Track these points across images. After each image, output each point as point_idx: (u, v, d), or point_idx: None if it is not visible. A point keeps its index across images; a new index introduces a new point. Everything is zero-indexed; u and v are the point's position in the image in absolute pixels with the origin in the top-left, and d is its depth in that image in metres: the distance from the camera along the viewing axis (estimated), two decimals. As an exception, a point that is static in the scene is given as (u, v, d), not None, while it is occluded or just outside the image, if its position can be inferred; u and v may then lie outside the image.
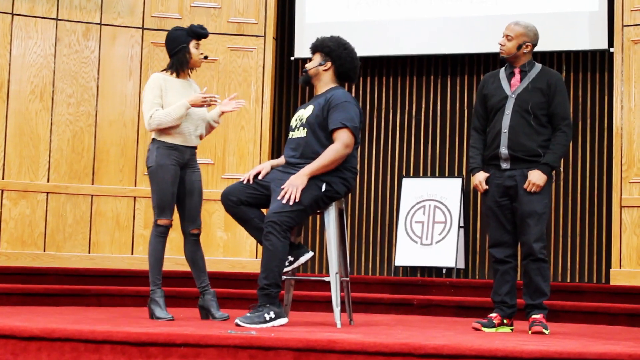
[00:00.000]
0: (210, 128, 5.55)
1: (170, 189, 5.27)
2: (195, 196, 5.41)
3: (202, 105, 5.28)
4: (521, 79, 5.16)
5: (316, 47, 5.17)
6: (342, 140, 4.91)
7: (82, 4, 7.91)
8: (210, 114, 5.51)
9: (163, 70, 5.45)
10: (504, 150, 5.09)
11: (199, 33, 5.36)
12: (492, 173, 5.17)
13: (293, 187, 4.80)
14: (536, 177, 5.01)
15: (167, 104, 5.28)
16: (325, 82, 5.15)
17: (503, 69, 5.28)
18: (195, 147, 5.44)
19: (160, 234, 5.31)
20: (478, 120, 5.30)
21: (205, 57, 5.49)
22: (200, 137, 5.47)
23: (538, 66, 5.21)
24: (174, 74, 5.39)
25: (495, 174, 5.15)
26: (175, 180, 5.29)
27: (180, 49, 5.35)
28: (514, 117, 5.08)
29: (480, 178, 5.20)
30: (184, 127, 5.31)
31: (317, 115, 4.99)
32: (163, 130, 5.29)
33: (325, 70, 5.13)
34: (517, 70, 5.19)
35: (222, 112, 5.48)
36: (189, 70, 5.46)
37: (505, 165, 5.11)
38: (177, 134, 5.30)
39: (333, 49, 5.10)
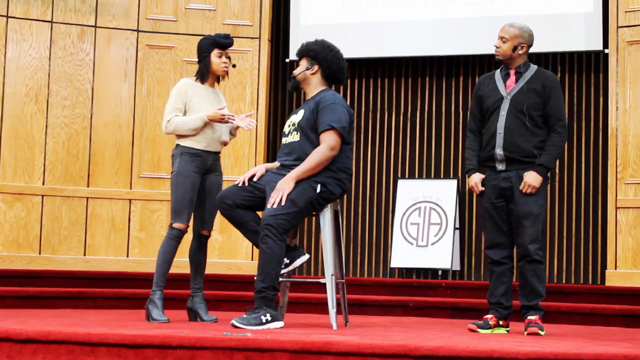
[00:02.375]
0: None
1: (188, 194, 5.32)
2: (213, 199, 5.44)
3: (220, 122, 5.34)
4: (516, 80, 5.16)
5: (302, 52, 5.21)
6: (327, 142, 4.93)
7: (77, 7, 7.90)
8: (229, 125, 5.56)
9: (194, 76, 5.55)
10: (499, 152, 5.09)
11: (220, 43, 5.45)
12: (488, 174, 5.17)
13: (280, 191, 4.83)
14: (531, 179, 5.01)
15: (191, 109, 5.38)
16: (314, 86, 5.17)
17: (499, 70, 5.29)
18: (218, 153, 5.49)
19: (173, 237, 5.34)
20: (474, 121, 5.31)
21: (234, 66, 5.60)
22: (225, 144, 5.53)
23: (533, 67, 5.21)
24: (199, 81, 5.49)
25: (491, 176, 5.15)
26: (194, 186, 5.35)
27: (203, 58, 5.47)
28: (509, 118, 5.08)
29: (475, 179, 5.21)
30: (207, 133, 5.38)
31: (308, 118, 5.02)
32: (187, 135, 5.36)
33: (312, 74, 5.16)
34: (512, 72, 5.19)
35: (237, 126, 5.53)
36: (217, 79, 5.55)
37: (500, 167, 5.11)
38: (201, 139, 5.37)
39: (318, 52, 5.13)
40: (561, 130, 5.09)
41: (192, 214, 5.42)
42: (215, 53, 5.45)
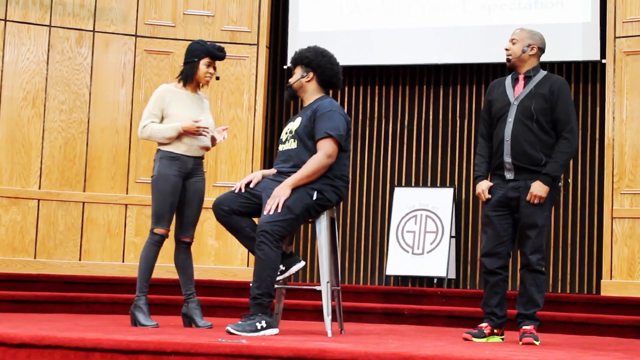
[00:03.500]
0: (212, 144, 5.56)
1: (169, 199, 5.30)
2: (194, 206, 5.43)
3: (194, 134, 5.32)
4: (525, 85, 5.14)
5: (295, 60, 5.22)
6: (325, 149, 4.93)
7: (76, 11, 7.90)
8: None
9: (176, 79, 5.53)
10: (507, 159, 5.05)
11: (213, 54, 5.44)
12: (496, 183, 5.14)
13: (276, 197, 4.82)
14: (537, 189, 4.97)
15: (169, 115, 5.37)
16: (311, 93, 5.18)
17: (510, 75, 5.28)
18: (200, 157, 5.47)
19: (154, 243, 5.33)
20: (484, 126, 5.28)
21: (217, 78, 5.59)
22: (207, 149, 5.50)
23: (542, 72, 5.18)
24: (181, 84, 5.47)
25: (499, 184, 5.12)
26: (175, 191, 5.33)
27: (191, 62, 5.44)
28: (516, 125, 5.04)
29: (483, 187, 5.18)
30: (186, 138, 5.35)
31: (306, 126, 5.03)
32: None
33: (308, 81, 5.17)
34: (521, 77, 5.17)
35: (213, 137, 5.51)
36: (199, 85, 5.51)
37: (509, 176, 5.07)
38: (180, 143, 5.36)
39: (312, 59, 5.14)
40: (568, 136, 5.02)
41: (175, 220, 5.41)
42: (204, 61, 5.43)
